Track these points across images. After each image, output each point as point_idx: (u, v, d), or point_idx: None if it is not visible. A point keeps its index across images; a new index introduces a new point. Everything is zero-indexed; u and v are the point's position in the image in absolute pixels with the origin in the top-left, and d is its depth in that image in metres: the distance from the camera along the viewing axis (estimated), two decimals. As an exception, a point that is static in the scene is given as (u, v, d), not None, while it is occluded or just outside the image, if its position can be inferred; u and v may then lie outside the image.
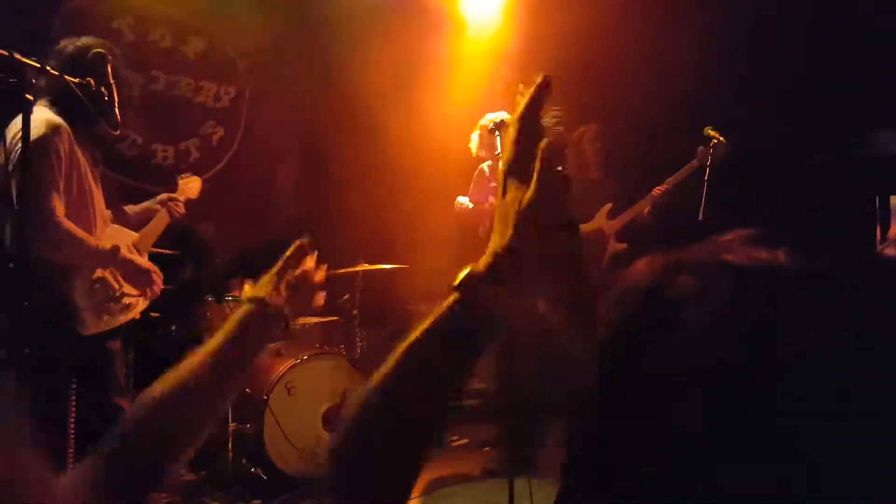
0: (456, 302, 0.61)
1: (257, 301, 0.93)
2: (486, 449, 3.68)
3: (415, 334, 0.61)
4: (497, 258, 0.60)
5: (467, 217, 3.61)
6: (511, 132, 0.64)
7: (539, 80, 0.65)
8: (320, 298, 1.07)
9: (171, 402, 0.80)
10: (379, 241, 3.86)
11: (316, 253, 1.05)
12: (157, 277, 2.36)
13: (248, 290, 0.97)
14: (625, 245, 3.63)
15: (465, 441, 3.95)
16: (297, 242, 1.05)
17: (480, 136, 3.58)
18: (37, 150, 1.88)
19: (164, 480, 0.81)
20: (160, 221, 2.58)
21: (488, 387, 4.03)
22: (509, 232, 0.60)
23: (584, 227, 3.72)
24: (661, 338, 0.37)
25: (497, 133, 2.97)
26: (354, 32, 4.29)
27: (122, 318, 2.27)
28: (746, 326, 0.36)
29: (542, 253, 0.59)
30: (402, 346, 0.61)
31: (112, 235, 2.33)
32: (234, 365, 0.87)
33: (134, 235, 2.49)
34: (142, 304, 2.36)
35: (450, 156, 3.96)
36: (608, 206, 3.70)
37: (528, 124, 0.63)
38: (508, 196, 0.61)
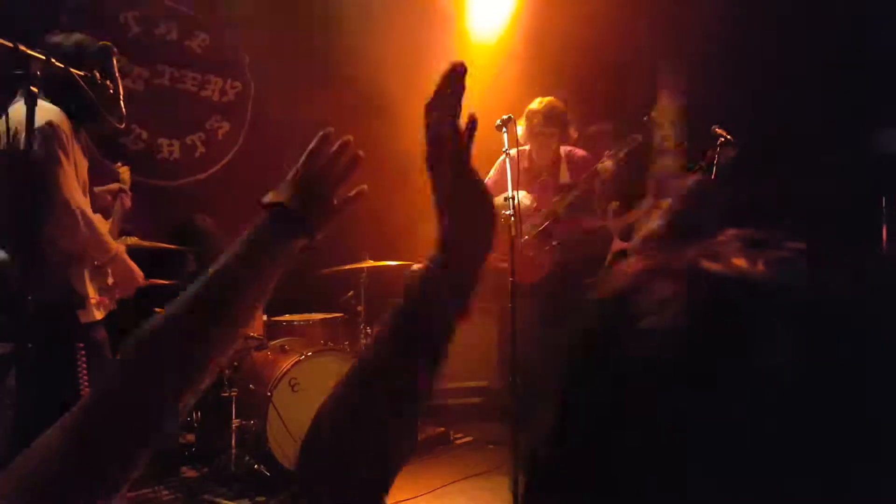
0: (404, 301, 0.65)
1: (277, 206, 0.80)
2: (490, 446, 3.67)
3: (375, 334, 0.65)
4: (438, 254, 0.65)
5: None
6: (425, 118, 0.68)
7: (453, 67, 0.70)
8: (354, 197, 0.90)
9: (180, 324, 0.71)
10: (384, 237, 3.85)
11: (348, 147, 0.87)
12: (140, 281, 2.36)
13: (270, 195, 0.83)
14: (628, 244, 3.60)
15: (470, 439, 3.94)
16: (323, 132, 0.88)
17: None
18: (52, 139, 1.89)
19: (161, 431, 0.70)
20: (117, 215, 2.56)
21: (491, 384, 4.02)
22: (444, 228, 0.66)
23: (592, 225, 3.70)
24: (619, 345, 0.36)
25: (504, 130, 2.95)
26: (361, 28, 4.27)
27: (104, 312, 2.28)
28: (691, 341, 0.34)
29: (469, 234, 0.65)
30: (366, 346, 0.66)
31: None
32: (252, 282, 0.75)
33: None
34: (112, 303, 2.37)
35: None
36: (615, 203, 3.68)
37: (436, 110, 0.68)
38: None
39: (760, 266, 0.35)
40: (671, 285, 0.36)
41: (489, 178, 3.58)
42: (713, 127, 3.43)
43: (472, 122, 0.69)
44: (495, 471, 3.26)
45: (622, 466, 0.35)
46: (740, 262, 0.36)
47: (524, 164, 3.50)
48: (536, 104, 3.50)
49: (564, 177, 3.69)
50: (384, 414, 0.61)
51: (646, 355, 0.35)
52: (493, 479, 3.21)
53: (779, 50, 3.59)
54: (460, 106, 0.69)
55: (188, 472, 3.28)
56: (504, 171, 3.49)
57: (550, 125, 3.51)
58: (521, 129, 3.49)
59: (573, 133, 3.60)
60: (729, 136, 3.37)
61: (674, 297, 0.35)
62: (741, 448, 0.32)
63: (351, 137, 0.88)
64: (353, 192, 0.88)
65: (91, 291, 2.19)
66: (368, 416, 0.61)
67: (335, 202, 0.88)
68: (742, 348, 0.33)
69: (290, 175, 0.86)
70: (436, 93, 0.68)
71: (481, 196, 0.67)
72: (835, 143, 3.56)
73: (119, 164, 2.64)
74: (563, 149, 3.69)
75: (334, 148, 0.87)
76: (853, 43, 3.52)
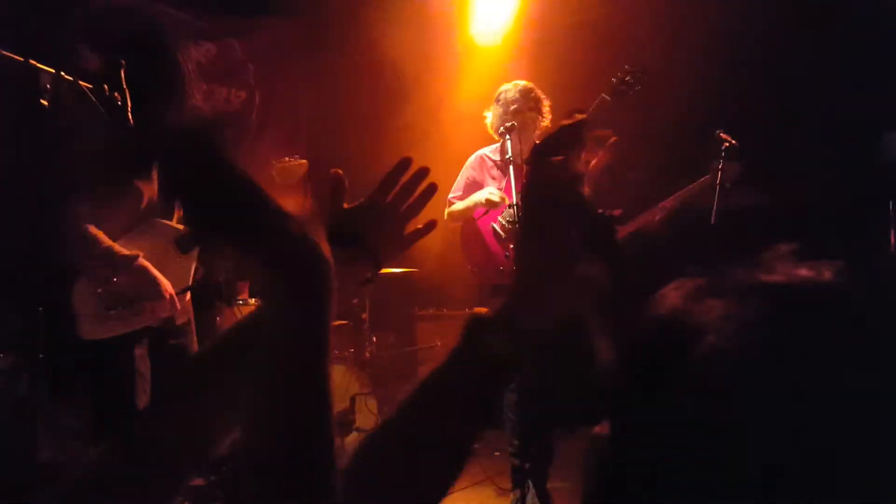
0: (461, 348, 0.61)
1: (346, 235, 0.77)
2: (497, 453, 3.66)
3: (425, 379, 0.61)
4: (507, 306, 0.61)
5: (463, 224, 3.31)
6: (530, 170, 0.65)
7: (571, 121, 0.66)
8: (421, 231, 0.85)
9: (232, 358, 0.69)
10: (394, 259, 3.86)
11: (425, 176, 0.84)
12: (166, 291, 2.29)
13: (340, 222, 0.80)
14: (629, 254, 3.60)
15: (476, 445, 3.93)
16: (403, 158, 0.84)
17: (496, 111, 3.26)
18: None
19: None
20: None
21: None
22: (518, 282, 0.62)
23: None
24: (676, 370, 0.36)
25: (508, 137, 2.95)
26: (363, 36, 4.30)
27: (126, 328, 2.23)
28: (765, 353, 0.34)
29: (551, 298, 0.61)
30: (412, 392, 0.61)
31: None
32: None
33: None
34: (152, 313, 2.29)
35: (460, 160, 3.96)
36: (617, 211, 3.68)
37: (543, 164, 0.64)
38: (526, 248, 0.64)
39: (826, 273, 0.35)
40: (721, 304, 0.36)
41: (464, 177, 3.39)
42: (717, 132, 3.43)
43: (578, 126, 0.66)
44: (501, 478, 3.25)
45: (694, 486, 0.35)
46: (804, 272, 0.36)
47: (497, 156, 3.31)
48: (512, 86, 3.22)
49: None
50: (430, 455, 0.59)
51: (709, 376, 0.35)
52: (499, 487, 3.21)
53: (780, 53, 3.60)
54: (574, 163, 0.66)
55: (197, 480, 3.29)
56: (479, 168, 3.36)
57: (531, 108, 3.21)
58: (490, 115, 3.24)
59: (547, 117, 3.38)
60: (733, 141, 3.38)
61: (733, 313, 0.35)
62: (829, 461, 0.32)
63: (428, 168, 0.86)
64: (423, 225, 0.85)
65: (85, 306, 2.13)
66: (414, 456, 0.59)
67: (405, 234, 0.84)
68: (818, 354, 0.33)
69: (362, 201, 0.83)
70: (546, 143, 0.65)
71: (572, 264, 0.63)
72: (839, 150, 3.56)
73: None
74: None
75: (409, 176, 0.84)
76: (866, 46, 3.52)
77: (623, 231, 3.67)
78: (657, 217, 3.60)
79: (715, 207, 3.24)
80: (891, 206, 3.22)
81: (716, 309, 0.36)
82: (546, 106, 3.23)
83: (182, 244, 2.38)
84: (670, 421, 0.36)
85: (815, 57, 3.57)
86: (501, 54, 4.38)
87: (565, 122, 0.65)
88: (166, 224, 2.37)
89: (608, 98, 3.18)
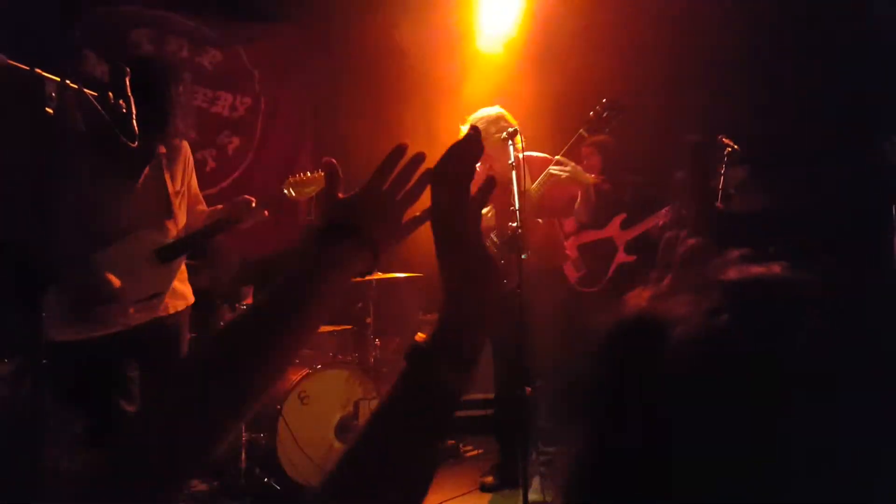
0: (405, 377, 0.64)
1: (344, 224, 0.77)
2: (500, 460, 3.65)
3: (378, 408, 0.63)
4: (440, 330, 0.64)
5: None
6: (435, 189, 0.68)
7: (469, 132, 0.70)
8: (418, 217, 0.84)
9: (236, 347, 0.70)
10: (393, 249, 3.87)
11: (421, 162, 0.83)
12: (113, 291, 2.30)
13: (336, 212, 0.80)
14: (633, 257, 3.60)
15: (480, 451, 3.93)
16: (398, 145, 0.83)
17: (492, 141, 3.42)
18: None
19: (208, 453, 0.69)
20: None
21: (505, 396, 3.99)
22: (447, 303, 0.65)
23: (596, 235, 3.70)
24: (651, 359, 0.39)
25: (510, 142, 2.96)
26: (369, 42, 4.32)
27: (101, 331, 2.27)
28: (731, 333, 0.37)
29: (479, 316, 0.65)
30: (368, 421, 0.63)
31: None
32: (312, 299, 0.73)
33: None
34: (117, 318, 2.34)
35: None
36: (622, 216, 3.69)
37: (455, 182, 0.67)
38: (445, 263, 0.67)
39: (777, 269, 0.40)
40: (686, 299, 0.40)
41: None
42: (719, 137, 3.43)
43: (490, 183, 0.70)
44: (505, 483, 3.25)
45: (674, 474, 0.37)
46: (755, 269, 0.40)
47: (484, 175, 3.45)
48: (482, 114, 3.36)
49: (527, 182, 3.61)
50: (390, 483, 0.61)
51: (688, 359, 0.38)
52: (503, 492, 3.20)
53: (785, 54, 3.59)
54: (472, 174, 0.68)
55: (199, 486, 3.30)
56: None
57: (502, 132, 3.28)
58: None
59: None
60: (735, 147, 3.37)
61: (698, 306, 0.39)
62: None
63: (424, 153, 0.84)
64: (421, 212, 0.83)
65: (51, 309, 2.12)
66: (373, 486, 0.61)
67: (403, 221, 0.84)
68: (774, 335, 0.37)
69: (359, 190, 0.82)
70: (443, 162, 0.68)
71: (490, 274, 0.67)
72: (841, 153, 3.54)
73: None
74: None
75: (405, 162, 0.83)
76: (869, 47, 3.50)
77: (629, 234, 3.67)
78: (661, 222, 3.59)
79: (719, 201, 3.25)
80: (894, 211, 3.20)
81: (681, 304, 0.40)
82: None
83: (162, 255, 2.44)
84: (646, 411, 0.39)
85: (818, 58, 3.56)
86: (506, 60, 4.39)
87: (459, 140, 0.70)
88: (149, 234, 2.43)
89: (585, 134, 3.30)
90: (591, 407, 0.43)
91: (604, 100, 3.35)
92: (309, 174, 2.75)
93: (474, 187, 0.68)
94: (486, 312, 0.66)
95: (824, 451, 0.35)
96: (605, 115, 3.32)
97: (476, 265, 0.66)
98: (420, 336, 0.65)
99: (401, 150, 0.83)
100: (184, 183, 2.60)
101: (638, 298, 0.43)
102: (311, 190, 2.70)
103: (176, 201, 2.53)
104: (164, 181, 2.51)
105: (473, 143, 0.69)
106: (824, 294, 0.38)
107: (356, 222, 0.78)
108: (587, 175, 3.45)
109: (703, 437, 0.36)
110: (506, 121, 3.30)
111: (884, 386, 0.36)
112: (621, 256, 3.64)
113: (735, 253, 0.42)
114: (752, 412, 0.36)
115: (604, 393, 0.42)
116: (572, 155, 3.51)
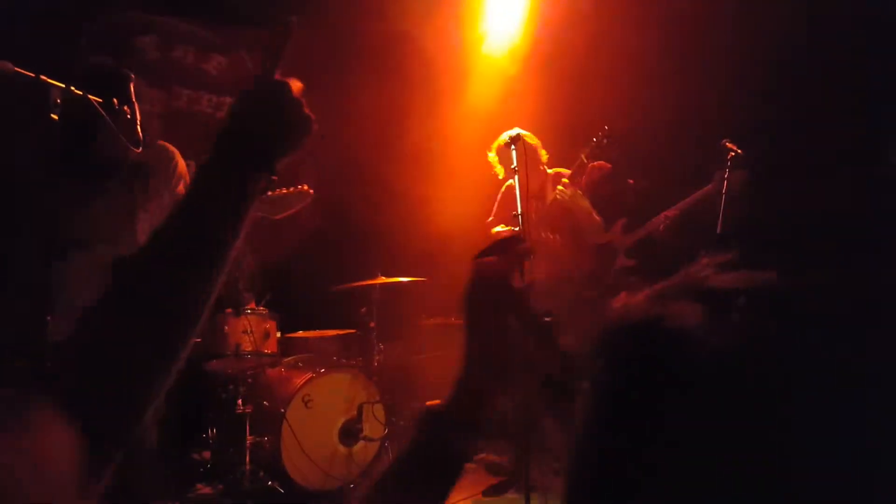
0: (418, 439, 0.66)
1: (226, 133, 0.72)
2: (503, 463, 3.65)
3: (388, 469, 0.68)
4: (457, 396, 0.67)
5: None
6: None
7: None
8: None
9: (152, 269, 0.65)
10: (395, 254, 3.88)
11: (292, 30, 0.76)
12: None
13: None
14: (633, 262, 3.60)
15: (482, 455, 3.93)
16: (282, 24, 0.78)
17: (499, 151, 3.52)
18: None
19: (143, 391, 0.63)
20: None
21: (504, 404, 4.00)
22: (468, 367, 0.68)
23: (597, 240, 3.70)
24: (668, 368, 0.39)
25: (513, 147, 2.97)
26: (373, 48, 4.34)
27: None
28: (767, 343, 0.38)
29: (495, 393, 0.67)
30: (379, 478, 0.67)
31: None
32: (210, 226, 0.68)
33: None
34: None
35: (467, 169, 3.98)
36: (622, 220, 3.69)
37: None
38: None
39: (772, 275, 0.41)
40: (695, 306, 0.41)
41: (497, 204, 3.61)
42: (723, 141, 3.43)
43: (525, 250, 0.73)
44: (508, 488, 3.25)
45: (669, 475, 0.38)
46: (731, 278, 0.42)
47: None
48: (506, 137, 3.36)
49: (551, 197, 3.66)
50: None
51: (715, 377, 0.39)
52: (506, 497, 3.20)
53: (791, 59, 3.59)
54: (519, 268, 0.72)
55: (203, 489, 3.31)
56: (509, 195, 3.55)
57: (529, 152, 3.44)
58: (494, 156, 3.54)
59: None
60: (739, 151, 3.37)
61: (713, 314, 0.40)
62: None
63: (295, 19, 0.80)
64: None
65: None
66: None
67: (304, 112, 0.77)
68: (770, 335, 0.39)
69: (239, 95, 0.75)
70: (493, 247, 0.72)
71: (508, 348, 0.69)
72: (848, 158, 3.53)
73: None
74: (550, 170, 3.68)
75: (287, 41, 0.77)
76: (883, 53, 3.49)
77: (630, 238, 3.68)
78: (661, 226, 3.60)
79: (721, 216, 3.24)
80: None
81: (693, 314, 0.40)
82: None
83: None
84: (660, 418, 0.39)
85: (826, 62, 3.55)
86: (511, 64, 4.41)
87: (503, 234, 0.72)
88: (107, 248, 2.39)
89: (586, 161, 3.34)
90: (593, 410, 0.43)
91: (605, 127, 3.42)
92: (290, 189, 2.75)
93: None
94: (507, 378, 0.68)
95: (819, 453, 0.36)
96: (605, 141, 3.42)
97: (501, 351, 0.68)
98: (433, 402, 0.69)
99: (286, 27, 0.81)
100: (163, 195, 2.46)
101: (627, 303, 0.44)
102: (294, 207, 2.70)
103: (141, 215, 2.40)
104: (133, 194, 2.39)
105: (514, 243, 0.73)
106: (813, 305, 0.40)
107: (247, 127, 0.72)
108: (584, 203, 3.50)
109: (721, 451, 0.37)
110: (528, 143, 3.40)
111: (848, 395, 0.37)
112: (622, 261, 3.64)
113: (706, 260, 0.43)
114: (769, 422, 0.37)
115: (607, 397, 0.43)
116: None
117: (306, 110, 0.79)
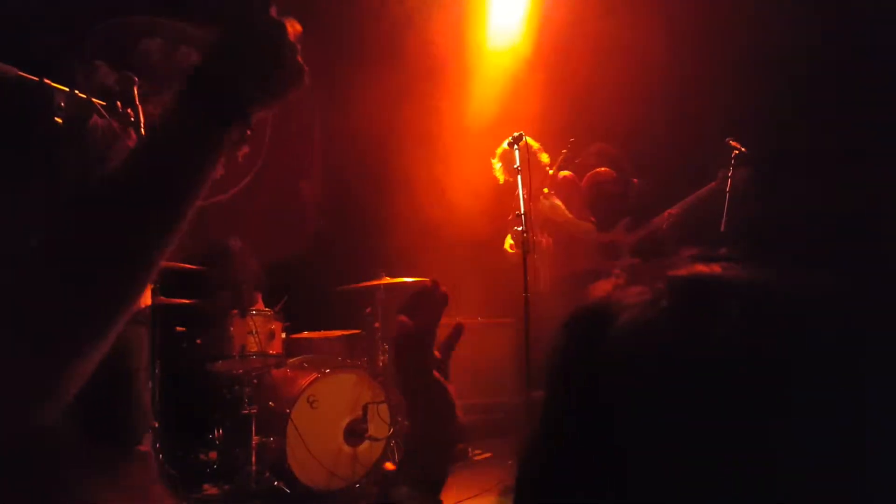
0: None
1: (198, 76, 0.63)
2: (510, 462, 3.65)
3: None
4: (405, 459, 0.73)
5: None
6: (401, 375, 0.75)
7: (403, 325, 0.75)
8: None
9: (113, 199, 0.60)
10: (399, 254, 3.89)
11: None
12: None
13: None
14: (637, 259, 3.60)
15: (489, 455, 3.93)
16: None
17: (502, 156, 3.53)
18: None
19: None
20: None
21: (509, 400, 4.02)
22: (412, 432, 0.73)
23: (601, 238, 3.70)
24: (597, 343, 0.42)
25: (515, 147, 2.98)
26: (376, 49, 4.35)
27: None
28: (663, 328, 0.40)
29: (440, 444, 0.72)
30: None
31: None
32: (177, 170, 0.61)
33: None
34: None
35: (472, 169, 3.98)
36: (626, 219, 3.69)
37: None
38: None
39: (716, 268, 0.43)
40: (639, 291, 0.43)
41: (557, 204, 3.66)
42: (727, 139, 3.42)
43: (457, 330, 0.77)
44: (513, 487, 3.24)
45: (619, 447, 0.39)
46: (700, 268, 0.43)
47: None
48: (506, 146, 3.40)
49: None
50: None
51: (627, 343, 0.41)
52: (511, 496, 3.19)
53: (795, 56, 3.57)
54: (437, 320, 0.74)
55: (210, 490, 3.32)
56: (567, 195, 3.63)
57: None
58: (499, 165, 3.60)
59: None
60: (743, 149, 3.36)
61: (646, 298, 0.42)
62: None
63: None
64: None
65: None
66: None
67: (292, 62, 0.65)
68: (704, 324, 0.40)
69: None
70: (410, 303, 0.74)
71: (449, 406, 0.73)
72: (853, 156, 3.51)
73: None
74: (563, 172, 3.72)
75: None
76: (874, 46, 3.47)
77: (634, 237, 3.68)
78: (664, 224, 3.59)
79: (725, 214, 3.23)
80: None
81: (633, 294, 0.43)
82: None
83: None
84: (586, 395, 0.42)
85: (830, 60, 3.53)
86: (515, 62, 4.41)
87: (418, 286, 0.75)
88: None
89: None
90: (547, 393, 0.45)
91: (572, 139, 3.47)
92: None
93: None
94: (448, 440, 0.72)
95: (801, 451, 0.37)
96: (570, 154, 3.59)
97: (436, 397, 0.72)
98: (389, 466, 0.73)
99: None
100: None
101: (602, 288, 0.46)
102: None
103: None
104: None
105: (437, 295, 0.75)
106: (771, 296, 0.40)
107: (231, 70, 0.62)
108: (561, 213, 3.58)
109: (637, 422, 0.39)
110: (530, 145, 3.45)
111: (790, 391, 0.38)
112: (625, 259, 3.64)
113: (688, 252, 0.45)
114: (677, 399, 0.38)
115: (554, 379, 0.45)
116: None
117: (300, 58, 0.67)
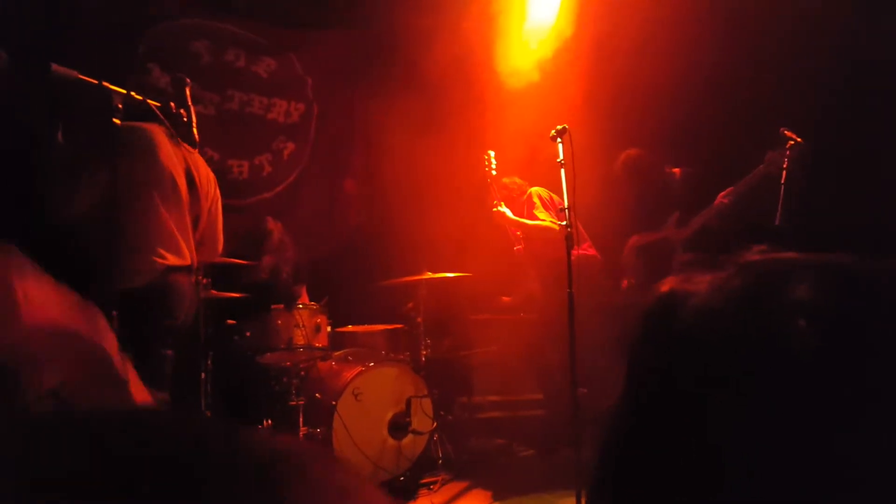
0: None
1: None
2: (554, 459, 3.64)
3: None
4: None
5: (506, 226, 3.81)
6: None
7: None
8: None
9: None
10: (442, 250, 3.90)
11: None
12: None
13: None
14: (693, 255, 3.52)
15: (532, 452, 3.92)
16: None
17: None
18: None
19: None
20: None
21: (555, 398, 3.99)
22: None
23: (650, 238, 3.64)
24: (666, 332, 0.43)
25: (559, 140, 2.94)
26: (417, 43, 4.36)
27: None
28: (734, 310, 0.40)
29: None
30: None
31: None
32: None
33: None
34: None
35: (513, 165, 3.97)
36: (675, 214, 3.61)
37: None
38: None
39: (789, 254, 0.43)
40: (706, 280, 0.44)
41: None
42: (781, 129, 3.31)
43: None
44: (559, 484, 3.22)
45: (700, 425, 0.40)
46: (774, 255, 0.44)
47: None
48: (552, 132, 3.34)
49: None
50: None
51: (699, 326, 0.42)
52: (556, 493, 3.18)
53: (840, 46, 3.43)
54: None
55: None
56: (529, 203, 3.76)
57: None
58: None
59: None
60: (798, 139, 3.25)
61: (711, 282, 0.43)
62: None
63: None
64: None
65: None
66: None
67: None
68: (782, 317, 0.39)
69: None
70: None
71: None
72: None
73: None
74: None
75: None
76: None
77: (685, 231, 3.59)
78: (716, 213, 3.50)
79: (780, 206, 3.13)
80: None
81: (703, 281, 0.44)
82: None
83: None
84: (658, 378, 0.42)
85: (885, 46, 3.38)
86: (557, 64, 4.36)
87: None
88: None
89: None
90: (626, 385, 0.45)
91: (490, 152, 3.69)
92: None
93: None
94: None
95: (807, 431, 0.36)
96: (491, 166, 3.71)
97: None
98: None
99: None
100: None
101: (667, 283, 0.47)
102: None
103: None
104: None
105: None
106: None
107: None
108: (509, 219, 3.73)
109: (717, 406, 0.39)
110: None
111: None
112: (680, 255, 3.56)
113: (758, 247, 0.45)
114: (747, 383, 0.38)
115: (632, 369, 0.45)
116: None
117: None
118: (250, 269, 3.54)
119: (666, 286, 0.46)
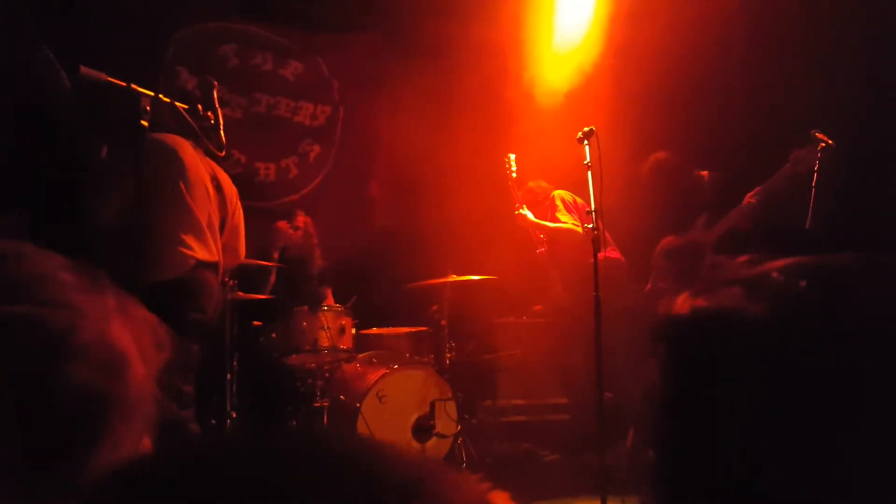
0: None
1: None
2: (579, 464, 3.59)
3: None
4: None
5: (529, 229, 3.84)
6: None
7: None
8: None
9: None
10: (466, 253, 3.89)
11: None
12: None
13: None
14: (723, 257, 3.45)
15: (557, 456, 3.88)
16: None
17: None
18: None
19: None
20: None
21: (578, 401, 3.95)
22: None
23: (679, 241, 3.57)
24: (718, 342, 0.42)
25: (586, 142, 2.91)
26: (442, 46, 4.37)
27: None
28: (807, 316, 0.40)
29: None
30: None
31: None
32: None
33: None
34: None
35: (539, 169, 3.95)
36: (703, 217, 3.55)
37: None
38: None
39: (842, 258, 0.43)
40: (739, 290, 0.43)
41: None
42: (812, 131, 3.24)
43: None
44: (583, 489, 3.18)
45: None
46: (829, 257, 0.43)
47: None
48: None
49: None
50: None
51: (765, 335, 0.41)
52: (581, 498, 3.14)
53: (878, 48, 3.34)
54: None
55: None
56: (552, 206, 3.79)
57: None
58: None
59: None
60: (830, 141, 3.17)
61: (752, 294, 0.42)
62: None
63: None
64: None
65: None
66: None
67: None
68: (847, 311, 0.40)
69: None
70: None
71: None
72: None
73: None
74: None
75: None
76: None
77: (714, 234, 3.53)
78: (743, 214, 3.44)
79: (811, 209, 3.06)
80: None
81: (729, 296, 0.43)
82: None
83: None
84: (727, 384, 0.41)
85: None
86: (585, 64, 4.32)
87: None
88: None
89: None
90: (662, 406, 0.44)
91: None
92: None
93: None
94: None
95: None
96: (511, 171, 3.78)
97: None
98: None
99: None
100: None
101: (675, 301, 0.46)
102: None
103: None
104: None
105: None
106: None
107: None
108: (533, 221, 3.79)
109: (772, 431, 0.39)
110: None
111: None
112: (710, 258, 3.49)
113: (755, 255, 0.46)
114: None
115: (671, 389, 0.44)
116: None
117: None
118: (274, 269, 3.57)
119: (686, 305, 0.44)
